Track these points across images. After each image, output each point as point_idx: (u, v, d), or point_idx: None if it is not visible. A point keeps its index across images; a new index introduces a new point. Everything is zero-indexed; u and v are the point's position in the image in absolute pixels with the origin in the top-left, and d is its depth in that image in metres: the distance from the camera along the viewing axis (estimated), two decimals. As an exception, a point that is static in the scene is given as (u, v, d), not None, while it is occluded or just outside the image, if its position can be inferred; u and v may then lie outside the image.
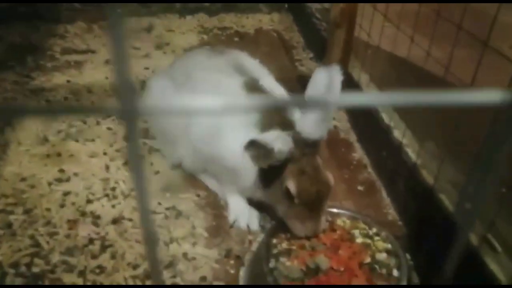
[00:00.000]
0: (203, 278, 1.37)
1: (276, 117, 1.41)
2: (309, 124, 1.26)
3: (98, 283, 1.33)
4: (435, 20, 1.35)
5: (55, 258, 1.41)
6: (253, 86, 1.47)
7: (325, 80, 1.24)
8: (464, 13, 1.20)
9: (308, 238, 1.30)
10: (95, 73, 2.62)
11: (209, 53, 1.69)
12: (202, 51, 1.83)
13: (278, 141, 1.21)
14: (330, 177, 1.31)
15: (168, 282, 1.35)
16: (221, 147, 1.44)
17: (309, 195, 1.26)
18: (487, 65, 1.10)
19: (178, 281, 1.36)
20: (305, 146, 1.29)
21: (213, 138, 1.46)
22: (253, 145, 1.18)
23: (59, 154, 1.90)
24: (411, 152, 1.57)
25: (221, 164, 1.49)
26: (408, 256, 1.37)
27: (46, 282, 1.33)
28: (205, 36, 3.19)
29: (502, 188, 1.13)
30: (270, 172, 1.30)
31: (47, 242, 1.47)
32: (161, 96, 1.64)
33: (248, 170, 1.38)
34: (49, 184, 1.73)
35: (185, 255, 1.45)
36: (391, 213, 1.64)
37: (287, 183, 1.27)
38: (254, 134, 1.38)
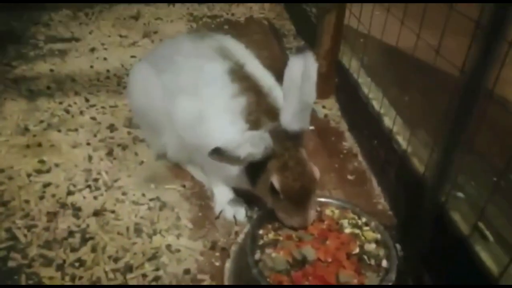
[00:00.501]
0: (187, 270, 1.33)
1: (261, 104, 1.36)
2: (289, 115, 1.21)
3: (77, 277, 1.28)
4: (424, 10, 1.30)
5: (33, 251, 1.36)
6: (238, 72, 1.42)
7: (300, 68, 1.19)
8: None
9: (296, 229, 1.26)
10: (80, 62, 2.55)
11: (192, 38, 1.62)
12: (185, 36, 1.76)
13: (246, 146, 1.15)
14: (315, 170, 1.26)
15: (151, 275, 1.30)
16: (206, 136, 1.38)
17: (293, 190, 1.22)
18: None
19: (161, 274, 1.31)
20: (287, 139, 1.24)
21: (197, 127, 1.41)
22: (217, 153, 1.12)
23: (39, 145, 1.84)
24: (402, 140, 1.52)
25: (206, 154, 1.44)
26: (398, 246, 1.33)
27: (22, 277, 1.27)
28: (194, 25, 3.12)
29: (493, 177, 1.10)
30: (255, 164, 1.26)
31: (25, 235, 1.41)
32: (144, 82, 1.57)
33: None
34: (28, 175, 1.67)
35: (168, 247, 1.40)
36: (382, 203, 1.60)
37: (271, 179, 1.23)
38: (239, 123, 1.33)
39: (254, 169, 1.29)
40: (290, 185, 1.21)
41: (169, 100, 1.49)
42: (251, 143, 1.17)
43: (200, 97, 1.42)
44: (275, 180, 1.22)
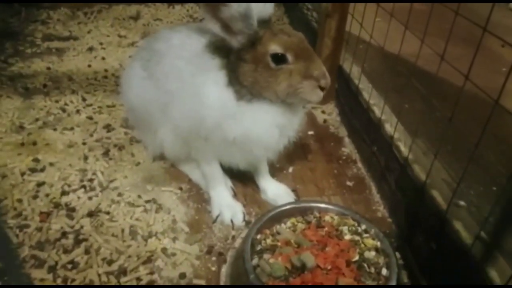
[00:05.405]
0: (183, 275, 1.30)
1: None
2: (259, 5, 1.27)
3: (69, 279, 1.25)
4: (428, 18, 1.29)
5: (24, 252, 1.32)
6: (217, 45, 1.37)
7: None
8: (457, 11, 1.15)
9: (322, 89, 1.27)
10: (77, 61, 2.52)
11: (173, 27, 1.63)
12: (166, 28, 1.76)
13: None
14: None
15: (145, 278, 1.27)
16: (201, 107, 1.33)
17: (294, 43, 1.27)
18: (477, 63, 1.06)
19: (156, 278, 1.28)
20: (263, 23, 1.29)
21: (192, 104, 1.36)
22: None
23: (34, 143, 1.81)
24: (403, 146, 1.51)
25: (202, 126, 1.36)
26: (398, 254, 1.31)
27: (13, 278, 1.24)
28: (193, 26, 3.10)
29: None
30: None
31: (16, 235, 1.38)
32: (133, 77, 1.55)
33: (231, 111, 1.32)
34: (22, 174, 1.63)
35: (164, 250, 1.37)
36: (381, 210, 1.58)
37: (270, 47, 1.26)
38: (230, 90, 1.32)
39: (237, 67, 1.30)
40: (289, 41, 1.27)
41: (160, 89, 1.46)
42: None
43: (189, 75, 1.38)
44: (275, 44, 1.26)
